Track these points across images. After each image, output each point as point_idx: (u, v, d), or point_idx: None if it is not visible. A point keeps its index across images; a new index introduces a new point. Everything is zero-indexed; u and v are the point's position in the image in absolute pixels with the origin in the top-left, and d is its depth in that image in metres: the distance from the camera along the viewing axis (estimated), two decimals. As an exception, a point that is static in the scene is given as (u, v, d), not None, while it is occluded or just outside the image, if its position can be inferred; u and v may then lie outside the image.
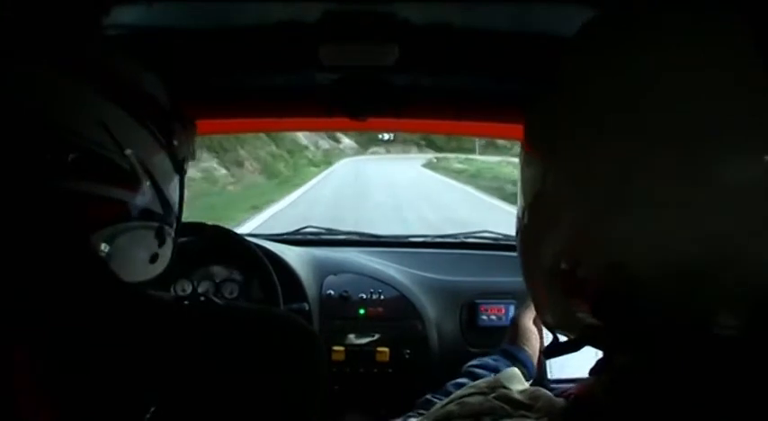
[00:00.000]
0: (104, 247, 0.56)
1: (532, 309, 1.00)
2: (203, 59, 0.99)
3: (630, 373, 0.48)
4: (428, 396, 0.88)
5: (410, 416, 0.79)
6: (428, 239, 1.88)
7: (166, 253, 0.67)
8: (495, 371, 0.92)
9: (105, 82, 0.58)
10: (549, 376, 1.08)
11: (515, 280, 1.54)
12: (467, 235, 1.89)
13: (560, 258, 0.45)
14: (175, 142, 0.66)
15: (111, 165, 0.57)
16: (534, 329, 1.00)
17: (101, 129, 0.56)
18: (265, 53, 0.97)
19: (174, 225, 0.69)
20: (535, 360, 0.99)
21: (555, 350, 0.53)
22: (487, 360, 0.96)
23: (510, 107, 1.20)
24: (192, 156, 0.75)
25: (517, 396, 0.53)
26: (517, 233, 0.53)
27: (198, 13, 0.86)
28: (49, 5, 0.63)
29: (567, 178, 0.44)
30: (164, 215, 0.65)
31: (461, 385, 0.88)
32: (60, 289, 0.53)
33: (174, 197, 0.68)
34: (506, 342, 1.01)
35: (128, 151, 0.58)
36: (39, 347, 0.50)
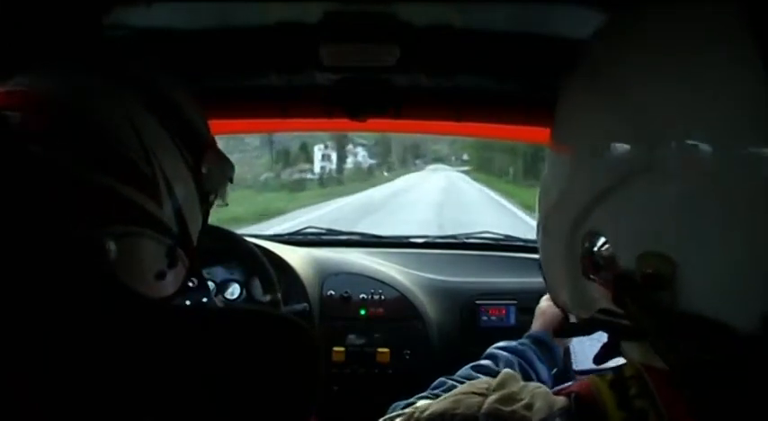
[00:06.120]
0: (111, 246, 0.55)
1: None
2: (203, 60, 0.99)
3: (639, 371, 0.48)
4: (443, 378, 0.87)
5: (422, 397, 0.80)
6: (429, 240, 1.88)
7: (175, 278, 0.64)
8: (522, 355, 0.91)
9: (142, 89, 0.59)
10: (575, 367, 1.06)
11: (516, 280, 1.57)
12: (467, 235, 1.89)
13: (587, 239, 0.46)
14: (204, 169, 0.66)
15: (134, 166, 0.57)
16: (560, 315, 0.97)
17: (130, 131, 0.57)
18: (266, 53, 0.97)
19: (189, 254, 0.66)
20: (563, 348, 0.96)
21: (565, 331, 0.53)
22: (515, 344, 0.94)
23: (510, 108, 1.20)
24: (221, 198, 0.73)
25: (516, 397, 0.53)
26: (541, 206, 0.54)
27: (198, 13, 0.86)
28: (52, 6, 0.63)
29: (598, 157, 0.45)
30: (179, 237, 0.63)
31: (483, 367, 0.89)
32: (58, 289, 0.53)
33: (193, 226, 0.66)
34: (534, 328, 0.99)
35: (153, 158, 0.58)
36: (38, 348, 0.50)
